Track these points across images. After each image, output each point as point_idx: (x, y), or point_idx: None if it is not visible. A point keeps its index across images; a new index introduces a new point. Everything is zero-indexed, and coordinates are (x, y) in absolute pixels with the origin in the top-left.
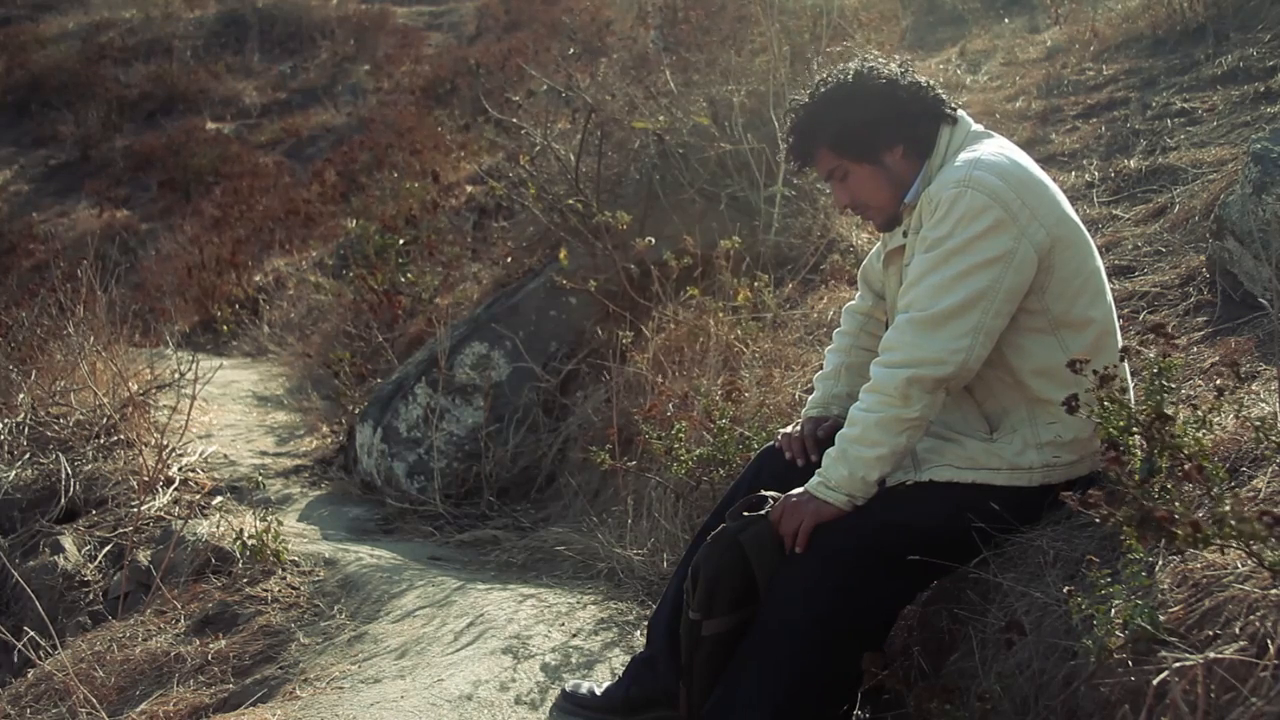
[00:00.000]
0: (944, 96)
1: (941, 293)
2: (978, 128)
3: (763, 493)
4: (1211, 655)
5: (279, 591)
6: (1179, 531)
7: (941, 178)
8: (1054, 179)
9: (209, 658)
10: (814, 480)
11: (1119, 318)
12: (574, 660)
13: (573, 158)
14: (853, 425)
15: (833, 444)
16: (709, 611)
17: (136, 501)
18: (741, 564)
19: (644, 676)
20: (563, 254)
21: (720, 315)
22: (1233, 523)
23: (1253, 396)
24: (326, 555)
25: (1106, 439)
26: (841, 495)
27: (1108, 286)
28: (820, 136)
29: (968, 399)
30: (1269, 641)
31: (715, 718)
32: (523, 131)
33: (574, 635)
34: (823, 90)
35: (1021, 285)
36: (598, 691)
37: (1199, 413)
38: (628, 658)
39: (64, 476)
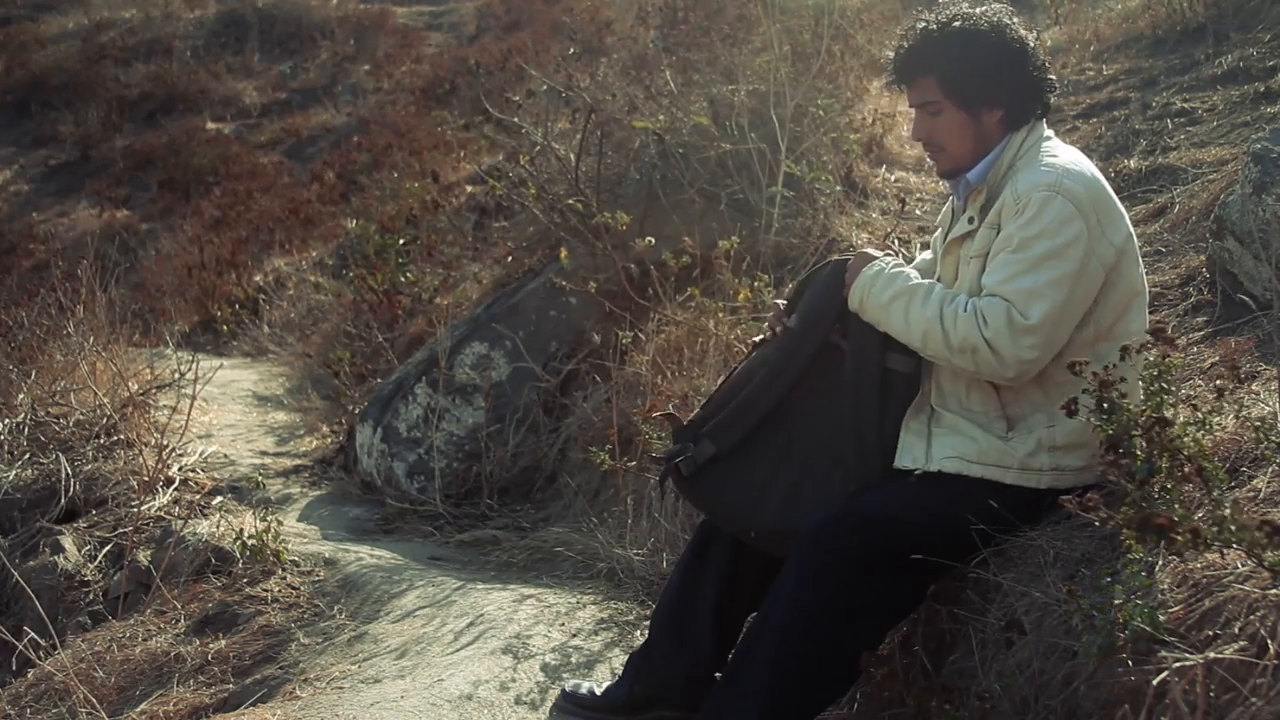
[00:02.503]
0: (1056, 83)
1: (1035, 300)
2: (1049, 132)
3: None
4: (1211, 655)
5: (279, 591)
6: (1178, 538)
7: (1029, 178)
8: None
9: (209, 658)
10: (864, 274)
11: None
12: (574, 660)
13: (573, 158)
14: (927, 307)
15: None
16: (791, 309)
17: (136, 501)
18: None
19: (645, 672)
20: (563, 254)
21: (720, 315)
22: (1232, 528)
23: (1252, 396)
24: (326, 555)
25: (1106, 440)
26: (856, 298)
27: (1147, 298)
28: (934, 66)
29: (993, 399)
30: (1269, 641)
31: (719, 701)
32: (523, 131)
33: (574, 635)
34: (956, 23)
35: (1087, 300)
36: (598, 691)
37: (1199, 413)
38: (628, 657)
39: (64, 476)
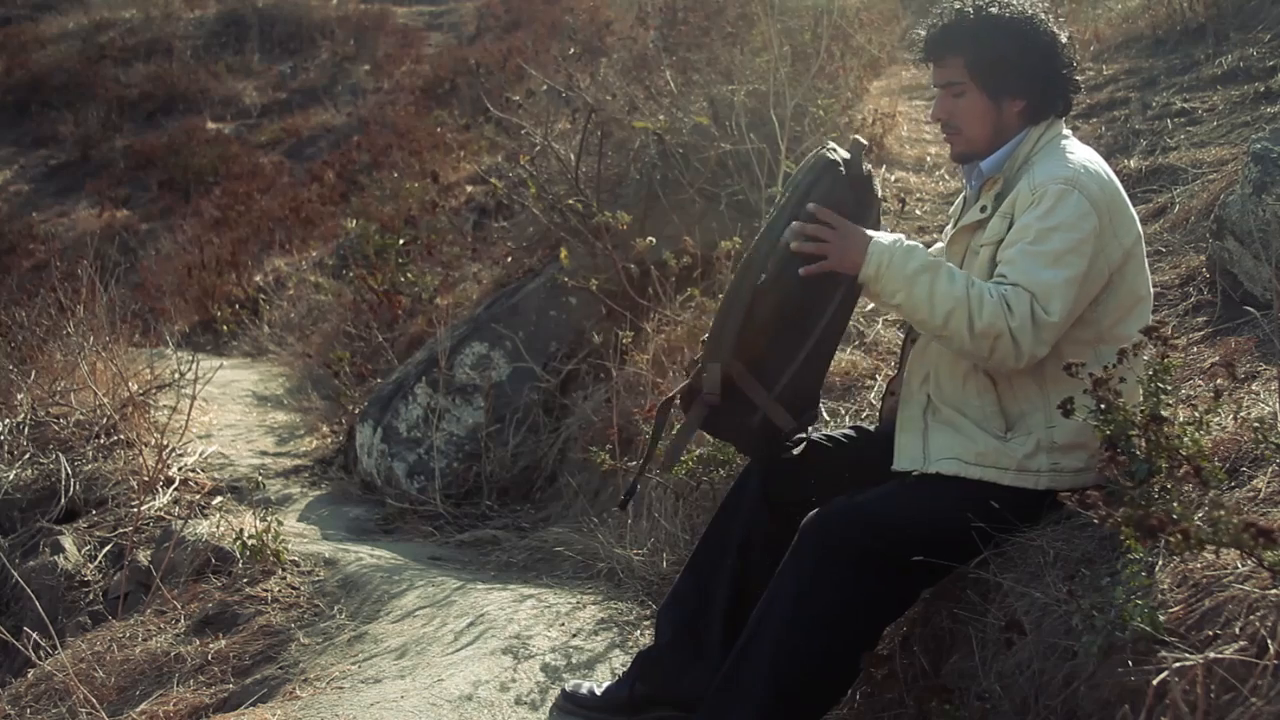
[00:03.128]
0: (1080, 83)
1: (1055, 295)
2: (1067, 130)
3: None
4: (1211, 655)
5: (279, 591)
6: (1171, 538)
7: (1047, 170)
8: None
9: (209, 658)
10: (879, 241)
11: None
12: (574, 660)
13: (573, 158)
14: (954, 285)
15: None
16: None
17: (136, 501)
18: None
19: (650, 674)
20: (563, 254)
21: None
22: (1225, 528)
23: (1252, 396)
24: (326, 555)
25: (1105, 440)
26: (868, 273)
27: (1151, 304)
28: (964, 47)
29: (990, 394)
30: (1269, 641)
31: (717, 703)
32: (523, 131)
33: (574, 635)
34: (991, 9)
35: (1088, 298)
36: (598, 691)
37: (1198, 413)
38: (628, 658)
39: (64, 476)
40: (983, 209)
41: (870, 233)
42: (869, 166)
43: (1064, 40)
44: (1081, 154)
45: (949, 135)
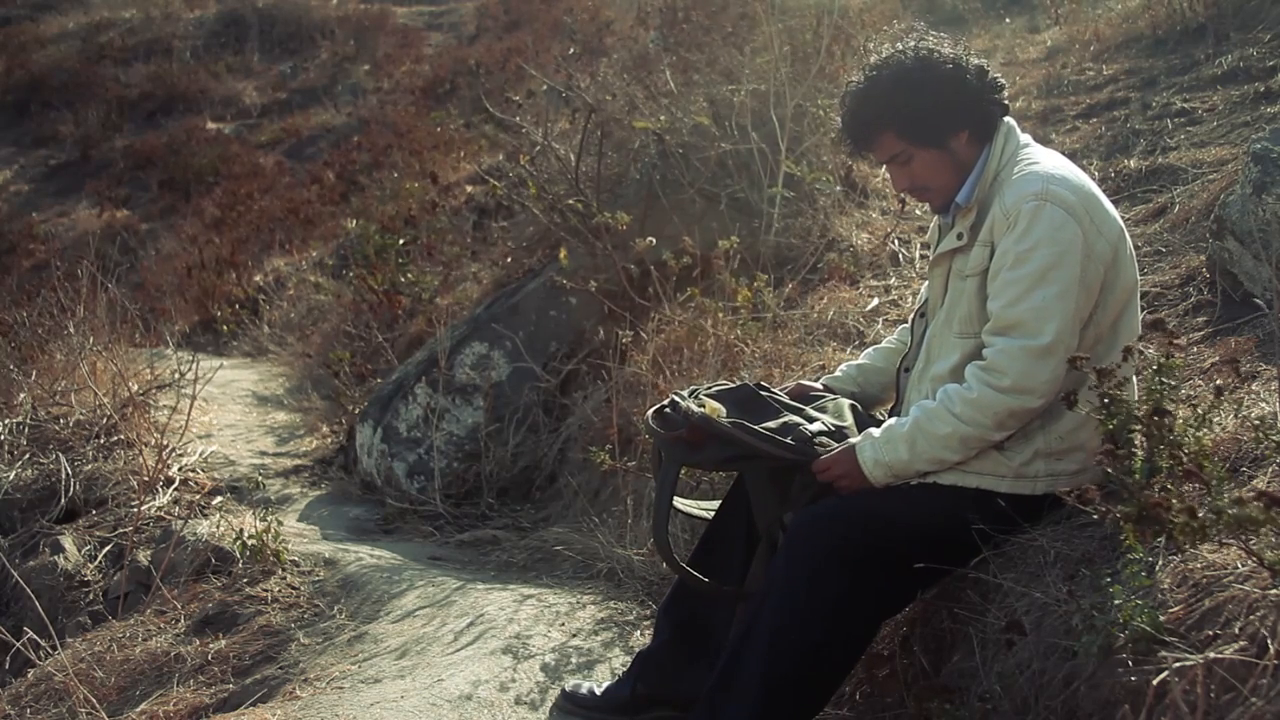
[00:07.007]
0: (1002, 81)
1: (1047, 317)
2: (1025, 137)
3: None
4: (1211, 655)
5: (279, 591)
6: (1175, 521)
7: (1016, 190)
8: None
9: (209, 658)
10: (866, 451)
11: None
12: (574, 660)
13: (573, 158)
14: (940, 423)
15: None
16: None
17: (136, 501)
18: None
19: (650, 673)
20: (563, 254)
21: (720, 315)
22: (1230, 511)
23: (1253, 396)
24: (326, 555)
25: (1106, 434)
26: (886, 478)
27: (1139, 295)
28: (887, 121)
29: None
30: (1269, 641)
31: (712, 698)
32: (523, 131)
33: (574, 635)
34: (885, 73)
35: (1091, 302)
36: (598, 691)
37: (1199, 412)
38: (628, 658)
39: (64, 476)
40: (959, 236)
41: (859, 454)
42: (693, 406)
43: (961, 52)
44: (1047, 162)
45: (920, 197)
